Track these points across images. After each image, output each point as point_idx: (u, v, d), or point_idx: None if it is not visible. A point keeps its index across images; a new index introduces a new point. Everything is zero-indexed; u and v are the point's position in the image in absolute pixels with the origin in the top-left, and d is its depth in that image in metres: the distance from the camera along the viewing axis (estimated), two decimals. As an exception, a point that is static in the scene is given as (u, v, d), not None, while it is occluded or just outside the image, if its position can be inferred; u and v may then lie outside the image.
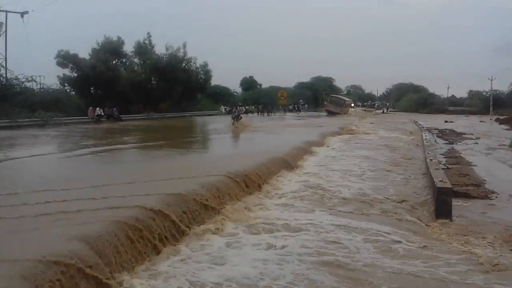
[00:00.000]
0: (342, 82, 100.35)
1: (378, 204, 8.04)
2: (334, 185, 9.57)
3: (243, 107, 44.79)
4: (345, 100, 56.29)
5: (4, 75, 33.46)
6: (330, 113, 49.39)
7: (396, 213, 7.45)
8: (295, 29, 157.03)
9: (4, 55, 34.33)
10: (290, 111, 55.94)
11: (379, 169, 12.04)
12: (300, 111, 57.39)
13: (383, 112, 64.19)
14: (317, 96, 74.72)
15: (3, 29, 32.97)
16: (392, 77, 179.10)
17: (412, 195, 8.90)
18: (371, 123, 37.22)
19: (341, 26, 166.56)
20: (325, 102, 58.09)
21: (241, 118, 28.79)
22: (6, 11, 34.34)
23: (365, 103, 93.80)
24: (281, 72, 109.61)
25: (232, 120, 27.92)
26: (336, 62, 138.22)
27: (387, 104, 79.16)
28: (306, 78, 79.04)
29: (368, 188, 9.39)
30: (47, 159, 12.01)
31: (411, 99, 70.29)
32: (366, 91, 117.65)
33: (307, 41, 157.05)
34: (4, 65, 33.86)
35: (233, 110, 31.73)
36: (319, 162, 13.17)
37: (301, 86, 75.09)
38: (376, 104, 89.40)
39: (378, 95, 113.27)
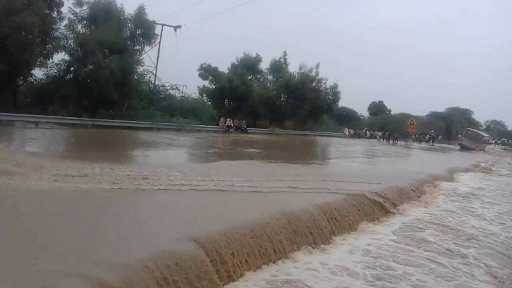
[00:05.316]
0: (481, 116, 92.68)
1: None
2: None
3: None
4: (482, 136, 52.06)
5: (153, 81, 37.71)
6: (464, 148, 46.28)
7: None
8: (432, 56, 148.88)
9: (156, 63, 38.63)
10: (420, 141, 53.05)
11: None
12: (434, 142, 54.04)
13: (527, 154, 57.67)
14: (450, 128, 70.25)
15: (158, 40, 36.86)
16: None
17: None
18: (510, 163, 34.06)
19: (487, 54, 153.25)
20: (460, 136, 54.46)
21: None
22: (163, 25, 38.61)
23: (507, 141, 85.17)
24: (413, 100, 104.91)
25: None
26: (476, 94, 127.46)
27: (533, 145, 71.04)
28: (440, 108, 74.89)
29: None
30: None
31: None
32: (510, 128, 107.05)
33: (445, 70, 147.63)
34: (155, 73, 38.16)
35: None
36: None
37: (434, 115, 71.22)
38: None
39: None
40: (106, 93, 27.38)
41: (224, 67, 44.45)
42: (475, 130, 56.05)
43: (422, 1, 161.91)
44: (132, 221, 5.80)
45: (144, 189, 7.81)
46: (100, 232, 5.17)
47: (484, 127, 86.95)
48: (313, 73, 44.51)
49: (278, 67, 45.64)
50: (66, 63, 28.77)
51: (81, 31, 29.63)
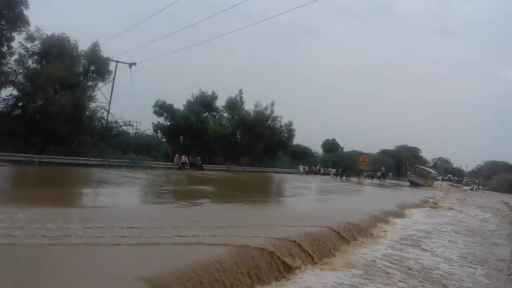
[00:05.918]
0: (428, 154, 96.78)
1: None
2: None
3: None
4: (430, 172, 54.41)
5: (106, 118, 36.97)
6: (413, 184, 48.21)
7: None
8: (382, 97, 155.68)
9: (109, 100, 37.96)
10: (372, 177, 54.58)
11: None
12: (385, 179, 55.70)
13: (471, 189, 60.56)
14: (400, 165, 72.91)
15: (112, 76, 36.32)
16: (483, 154, 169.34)
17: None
18: (457, 199, 35.62)
19: (433, 96, 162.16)
20: (409, 172, 56.61)
21: None
22: (117, 61, 38.30)
23: (453, 178, 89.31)
24: (365, 138, 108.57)
25: None
26: (424, 133, 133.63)
27: (477, 181, 74.78)
28: (390, 146, 77.98)
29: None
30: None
31: (504, 178, 65.60)
32: (455, 165, 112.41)
33: (395, 109, 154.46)
34: (108, 109, 37.45)
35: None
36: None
37: (384, 153, 73.87)
38: (464, 180, 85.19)
39: (467, 171, 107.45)
40: (55, 129, 26.57)
41: (179, 104, 44.45)
42: (423, 167, 58.59)
43: (372, 46, 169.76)
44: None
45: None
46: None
47: (432, 164, 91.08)
48: (268, 111, 45.19)
49: (234, 105, 46.05)
50: (14, 98, 27.85)
51: (31, 66, 28.81)
